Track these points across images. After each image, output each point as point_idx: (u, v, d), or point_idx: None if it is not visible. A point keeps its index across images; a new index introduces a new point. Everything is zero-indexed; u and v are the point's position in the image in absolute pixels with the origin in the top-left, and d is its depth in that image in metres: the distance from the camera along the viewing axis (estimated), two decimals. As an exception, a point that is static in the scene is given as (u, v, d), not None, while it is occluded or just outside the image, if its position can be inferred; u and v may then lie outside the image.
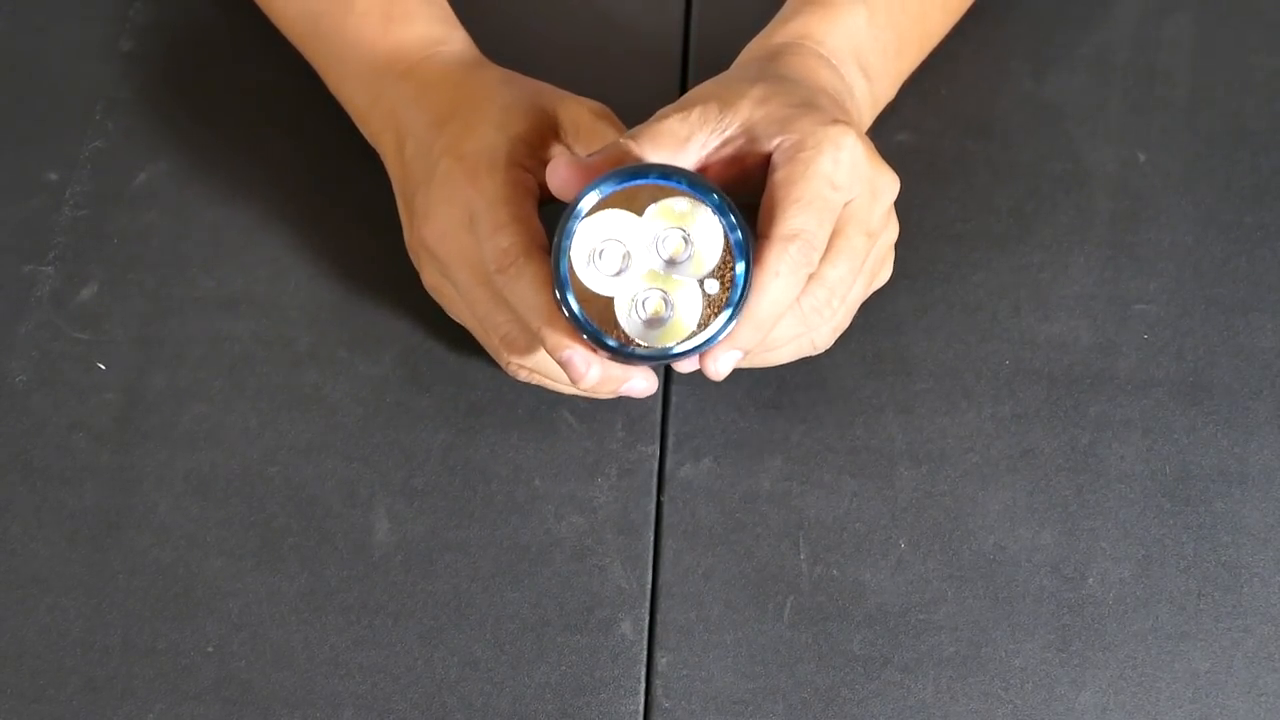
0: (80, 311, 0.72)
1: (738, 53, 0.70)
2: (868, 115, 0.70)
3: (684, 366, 0.61)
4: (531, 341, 0.62)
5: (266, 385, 0.70)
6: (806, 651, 0.65)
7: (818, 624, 0.66)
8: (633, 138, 0.60)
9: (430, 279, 0.66)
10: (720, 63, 0.69)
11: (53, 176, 0.75)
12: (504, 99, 0.66)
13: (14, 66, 0.79)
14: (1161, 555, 0.67)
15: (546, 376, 0.65)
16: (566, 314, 0.57)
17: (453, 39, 0.71)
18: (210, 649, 0.65)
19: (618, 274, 0.58)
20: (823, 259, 0.60)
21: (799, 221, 0.58)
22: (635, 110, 0.75)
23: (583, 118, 0.66)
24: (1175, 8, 0.80)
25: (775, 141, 0.60)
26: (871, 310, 0.71)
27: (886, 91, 0.72)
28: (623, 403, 0.70)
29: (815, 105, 0.61)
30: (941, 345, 0.71)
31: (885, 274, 0.66)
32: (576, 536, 0.67)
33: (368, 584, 0.66)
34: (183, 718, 0.64)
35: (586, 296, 0.58)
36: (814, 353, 0.65)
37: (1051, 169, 0.76)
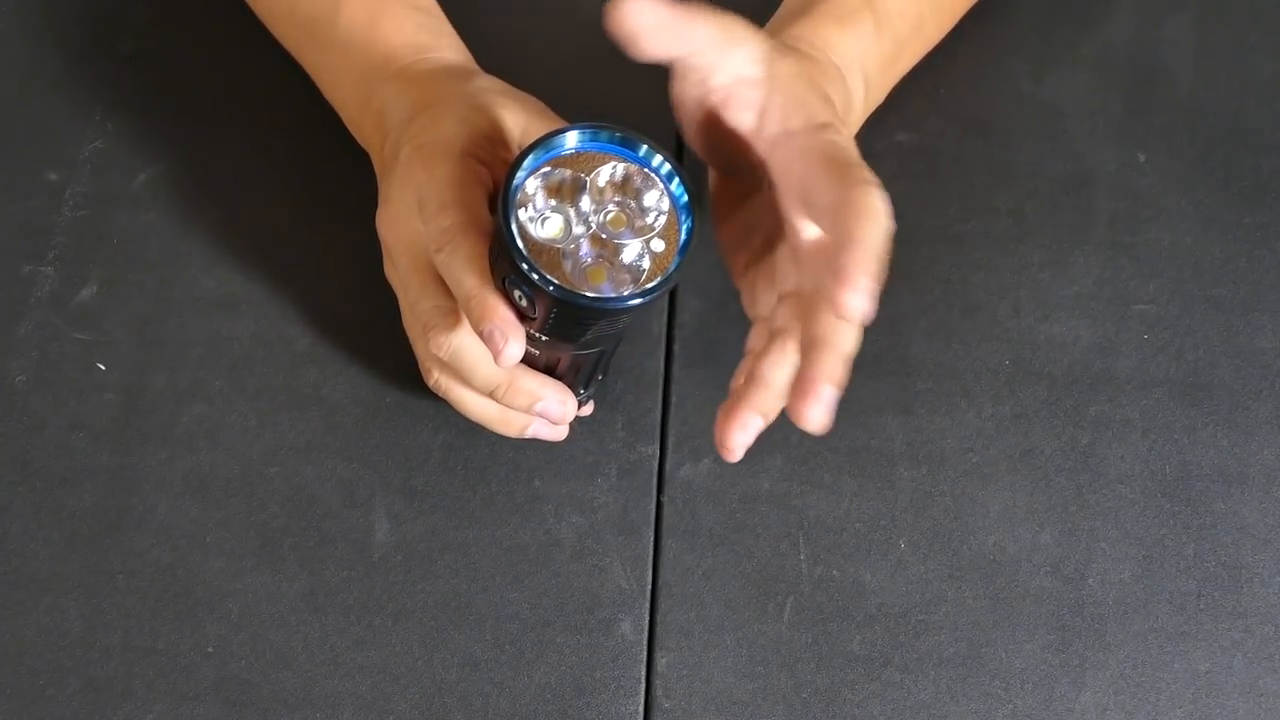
0: (80, 311, 0.72)
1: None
2: (858, 125, 0.70)
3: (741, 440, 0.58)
4: (453, 326, 0.62)
5: (266, 385, 0.70)
6: (806, 651, 0.65)
7: (818, 624, 0.66)
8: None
9: (387, 269, 0.66)
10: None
11: (53, 176, 0.75)
12: (476, 98, 0.66)
13: (14, 67, 0.79)
14: (1161, 555, 0.67)
15: (454, 383, 0.65)
16: (516, 256, 0.55)
17: (442, 46, 0.71)
18: (210, 649, 0.65)
19: (561, 238, 0.57)
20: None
21: (865, 264, 0.54)
22: (634, 111, 0.75)
23: None
24: (1175, 8, 0.80)
25: (806, 121, 0.58)
26: (871, 310, 0.72)
27: (877, 99, 0.72)
28: (623, 402, 0.70)
29: (837, 115, 0.61)
30: (941, 345, 0.71)
31: None
32: (576, 536, 0.67)
33: (368, 584, 0.66)
34: (183, 718, 0.64)
35: (536, 250, 0.57)
36: None
37: (1051, 169, 0.76)
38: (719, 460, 0.69)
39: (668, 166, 0.58)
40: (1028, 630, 0.66)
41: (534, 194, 0.57)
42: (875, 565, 0.67)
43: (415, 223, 0.62)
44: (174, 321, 0.72)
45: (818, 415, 0.54)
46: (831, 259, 0.53)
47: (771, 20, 0.70)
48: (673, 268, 0.57)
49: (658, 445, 0.69)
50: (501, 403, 0.64)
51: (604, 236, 0.57)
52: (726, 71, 0.58)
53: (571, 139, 0.57)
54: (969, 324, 0.72)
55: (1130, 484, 0.69)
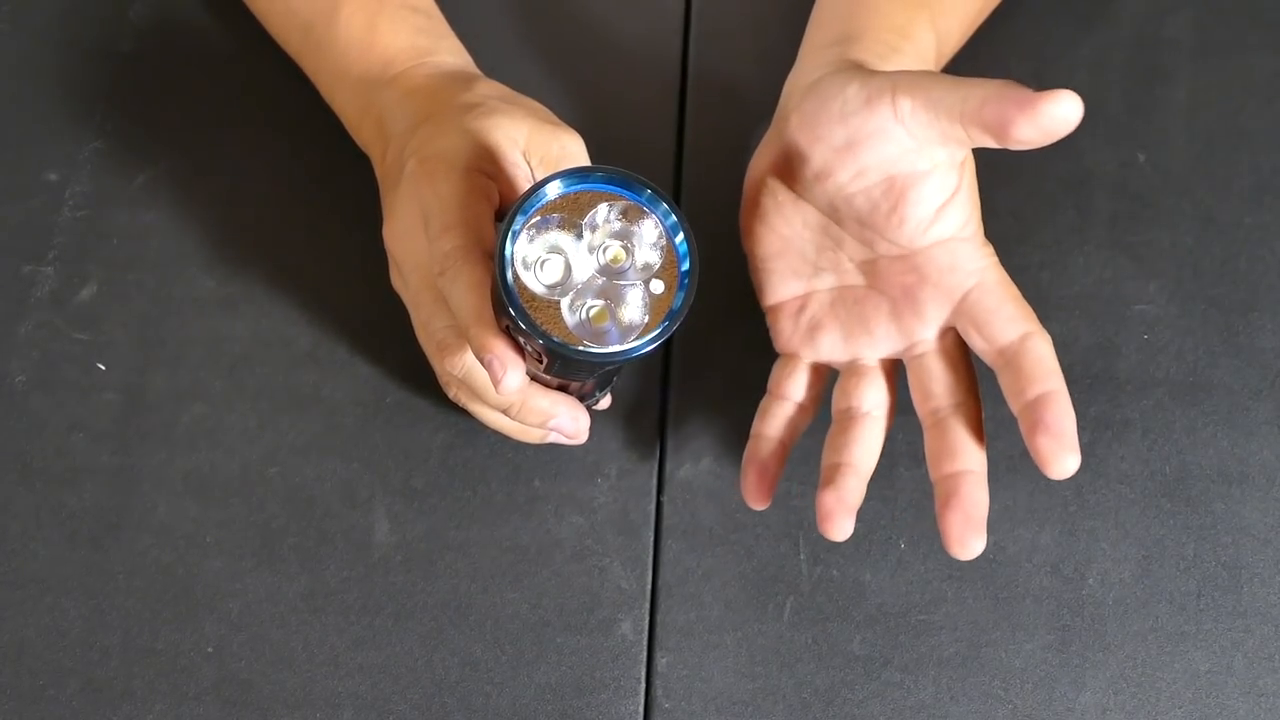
0: (80, 311, 0.72)
1: (737, 58, 0.69)
2: (936, 53, 0.70)
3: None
4: (464, 347, 0.62)
5: (266, 385, 0.70)
6: (806, 651, 0.65)
7: (818, 624, 0.66)
8: None
9: (394, 280, 0.66)
10: (719, 67, 0.69)
11: (53, 176, 0.75)
12: (480, 108, 0.66)
13: (14, 66, 0.79)
14: (1161, 555, 0.67)
15: (472, 397, 0.65)
16: (512, 310, 0.56)
17: (441, 50, 0.70)
18: (210, 649, 0.65)
19: (561, 283, 0.57)
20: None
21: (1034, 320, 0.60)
22: (634, 113, 0.75)
23: (548, 157, 0.65)
24: (1175, 8, 0.80)
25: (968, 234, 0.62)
26: (871, 310, 0.71)
27: (951, 34, 0.72)
28: (622, 402, 0.70)
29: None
30: (941, 345, 0.71)
31: None
32: (576, 536, 0.67)
33: (368, 584, 0.66)
34: (183, 718, 0.64)
35: (533, 303, 0.57)
36: None
37: (1051, 169, 0.76)
38: (719, 460, 0.69)
39: (665, 206, 0.57)
40: (1028, 630, 0.66)
41: (529, 246, 0.57)
42: (875, 565, 0.67)
43: (421, 239, 0.62)
44: (174, 321, 0.72)
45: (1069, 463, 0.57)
46: (1029, 415, 0.58)
47: (812, 25, 0.69)
48: (676, 307, 0.57)
49: (658, 445, 0.69)
50: (515, 419, 0.64)
51: (605, 277, 0.57)
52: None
53: (556, 186, 0.57)
54: (969, 324, 0.72)
55: (1130, 484, 0.69)
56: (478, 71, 0.71)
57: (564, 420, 0.64)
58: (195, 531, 0.67)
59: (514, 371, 0.57)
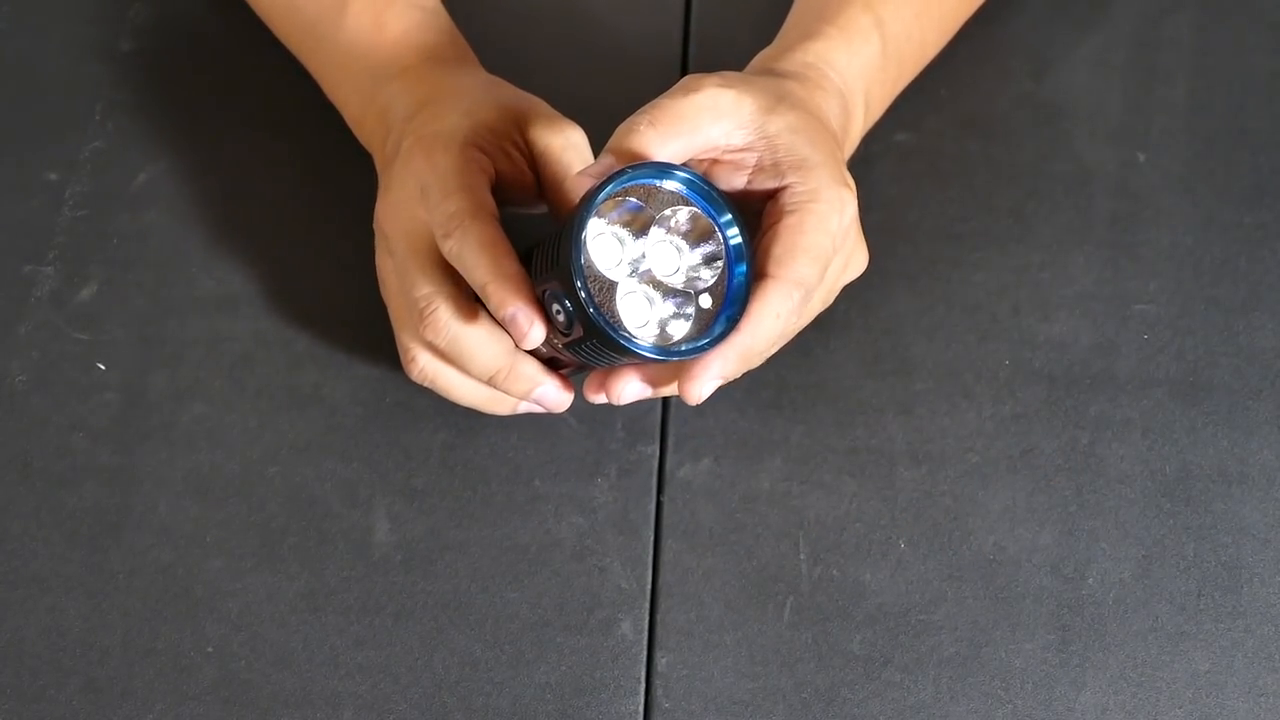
0: (80, 311, 0.72)
1: (737, 54, 0.70)
2: (856, 144, 0.70)
3: (627, 392, 0.61)
4: (454, 312, 0.62)
5: (266, 385, 0.70)
6: (806, 651, 0.65)
7: (818, 624, 0.66)
8: (649, 117, 0.59)
9: (378, 259, 0.66)
10: (719, 67, 0.69)
11: (53, 176, 0.75)
12: (479, 94, 0.66)
13: (14, 66, 0.79)
14: (1161, 555, 0.67)
15: (443, 368, 0.64)
16: (579, 287, 0.56)
17: (445, 45, 0.71)
18: (210, 649, 0.65)
19: (615, 267, 0.58)
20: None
21: (808, 271, 0.59)
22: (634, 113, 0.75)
23: (552, 145, 0.65)
24: (1175, 8, 0.80)
25: (790, 181, 0.60)
26: (871, 310, 0.71)
27: (875, 116, 0.72)
28: (623, 403, 0.70)
29: (833, 158, 0.61)
30: (941, 345, 0.71)
31: (848, 276, 0.66)
32: (576, 536, 0.67)
33: (368, 584, 0.66)
34: (183, 718, 0.64)
35: (592, 276, 0.57)
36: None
37: (1051, 169, 0.76)
38: (719, 460, 0.69)
39: (737, 236, 0.58)
40: (1028, 630, 0.66)
41: (605, 216, 0.57)
42: (875, 565, 0.67)
43: (415, 210, 0.62)
44: (174, 321, 0.72)
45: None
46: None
47: (780, 35, 0.70)
48: (718, 331, 0.58)
49: (658, 445, 0.69)
50: (499, 388, 0.64)
51: (656, 279, 0.58)
52: (710, 142, 0.60)
53: (675, 181, 0.58)
54: (969, 324, 0.72)
55: (1130, 484, 0.69)
56: (481, 68, 0.71)
57: (549, 390, 0.64)
58: (195, 531, 0.67)
59: (538, 325, 0.58)
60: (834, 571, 0.67)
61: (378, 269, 0.67)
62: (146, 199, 0.75)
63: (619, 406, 0.70)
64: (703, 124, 0.59)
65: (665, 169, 0.58)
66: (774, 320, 0.59)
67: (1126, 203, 0.75)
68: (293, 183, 0.75)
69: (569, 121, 0.66)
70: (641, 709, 0.65)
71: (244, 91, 0.78)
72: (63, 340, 0.71)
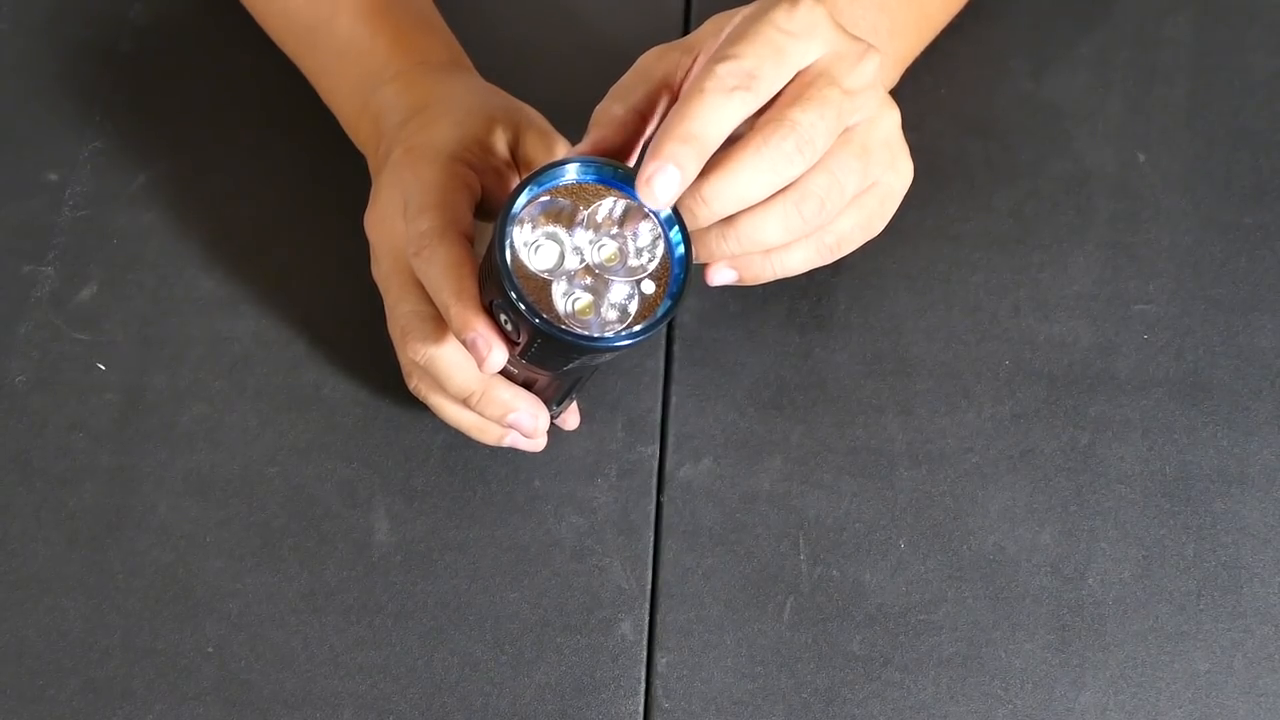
0: (80, 311, 0.72)
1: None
2: (891, 55, 0.67)
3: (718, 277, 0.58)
4: (429, 332, 0.62)
5: (266, 385, 0.70)
6: (806, 651, 0.65)
7: (818, 624, 0.66)
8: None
9: (373, 268, 0.66)
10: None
11: (53, 176, 0.75)
12: (471, 103, 0.66)
13: (14, 67, 0.79)
14: (1161, 555, 0.67)
15: (432, 388, 0.64)
16: (505, 281, 0.55)
17: (439, 49, 0.71)
18: (210, 649, 0.65)
19: (552, 270, 0.57)
20: (788, 104, 0.55)
21: (732, 49, 0.54)
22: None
23: (540, 160, 0.65)
24: (1175, 8, 0.80)
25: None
26: (871, 310, 0.71)
27: (890, 73, 0.69)
28: (623, 402, 0.70)
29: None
30: (941, 345, 0.71)
31: (895, 179, 0.61)
32: (576, 537, 0.67)
33: (368, 584, 0.66)
34: (183, 718, 0.64)
35: (526, 280, 0.57)
36: (839, 253, 0.60)
37: (1051, 169, 0.76)
38: (719, 460, 0.69)
39: (668, 211, 0.57)
40: (1028, 630, 0.66)
41: (530, 221, 0.57)
42: (875, 565, 0.67)
43: (398, 224, 0.63)
44: (174, 321, 0.72)
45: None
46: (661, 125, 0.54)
47: None
48: (661, 312, 0.57)
49: (658, 445, 0.69)
50: (474, 411, 0.64)
51: (596, 272, 0.57)
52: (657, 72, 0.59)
53: (573, 171, 0.57)
54: (969, 324, 0.72)
55: (1130, 484, 0.69)
56: (476, 73, 0.71)
57: (523, 416, 0.64)
58: (195, 531, 0.67)
59: (498, 350, 0.57)
60: (834, 571, 0.67)
61: (374, 277, 0.67)
62: (146, 199, 0.75)
63: (618, 407, 0.70)
64: (646, 63, 0.59)
65: (559, 164, 0.57)
66: (700, 96, 0.53)
67: (1126, 203, 0.75)
68: (293, 183, 0.75)
69: (559, 136, 0.66)
70: (641, 709, 0.65)
71: (243, 92, 0.78)
72: (63, 340, 0.71)
